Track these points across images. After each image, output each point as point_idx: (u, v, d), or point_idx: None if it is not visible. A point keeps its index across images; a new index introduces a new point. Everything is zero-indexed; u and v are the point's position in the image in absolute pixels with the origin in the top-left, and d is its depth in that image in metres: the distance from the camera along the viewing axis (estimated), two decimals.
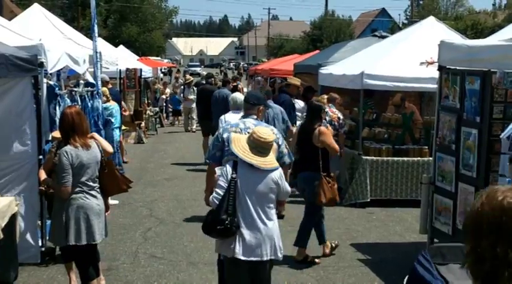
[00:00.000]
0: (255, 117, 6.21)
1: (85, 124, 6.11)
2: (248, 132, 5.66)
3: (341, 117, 11.12)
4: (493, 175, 6.66)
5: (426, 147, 10.91)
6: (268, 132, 5.36)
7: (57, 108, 7.82)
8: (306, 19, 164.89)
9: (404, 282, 2.64)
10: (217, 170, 5.62)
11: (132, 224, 9.73)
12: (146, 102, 23.14)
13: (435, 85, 8.18)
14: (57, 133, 6.61)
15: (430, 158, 8.98)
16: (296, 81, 13.34)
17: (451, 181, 7.34)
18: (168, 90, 26.96)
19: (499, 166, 5.98)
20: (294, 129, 12.30)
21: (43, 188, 6.48)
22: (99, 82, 9.96)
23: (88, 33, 19.64)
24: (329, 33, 70.59)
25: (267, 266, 5.41)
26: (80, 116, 6.04)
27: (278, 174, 5.31)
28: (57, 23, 12.90)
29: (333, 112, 11.08)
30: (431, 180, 7.75)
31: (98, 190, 6.07)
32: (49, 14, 13.17)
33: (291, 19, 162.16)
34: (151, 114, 22.53)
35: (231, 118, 8.34)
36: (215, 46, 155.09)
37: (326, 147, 7.97)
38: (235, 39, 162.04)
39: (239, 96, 9.23)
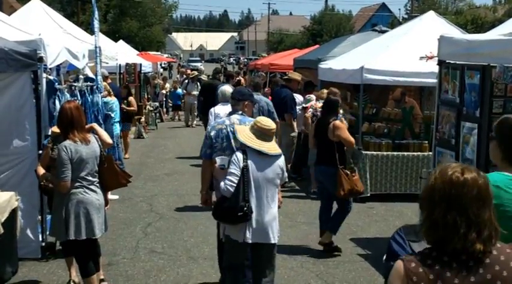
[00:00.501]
0: (241, 112, 6.40)
1: (84, 119, 6.11)
2: (233, 128, 5.99)
3: (341, 111, 11.12)
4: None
5: (426, 142, 10.92)
6: (270, 121, 5.72)
7: (57, 102, 7.81)
8: (306, 14, 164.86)
9: (383, 258, 3.01)
10: (218, 159, 5.96)
11: (132, 219, 9.74)
12: (146, 97, 23.13)
13: (435, 80, 8.18)
14: (56, 128, 6.61)
15: (430, 153, 8.99)
16: (297, 76, 13.34)
17: None
18: (167, 85, 26.95)
19: None
20: (295, 124, 12.36)
21: (42, 183, 6.48)
22: (100, 77, 9.95)
23: (88, 28, 19.66)
24: (329, 28, 70.57)
25: (273, 248, 5.75)
26: (78, 111, 6.03)
27: (283, 159, 5.70)
28: (56, 18, 12.89)
29: None
30: None
31: (98, 184, 6.07)
32: (49, 9, 13.15)
33: (291, 14, 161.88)
34: (151, 109, 22.52)
35: (219, 110, 8.67)
36: (215, 41, 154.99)
37: (342, 141, 8.11)
38: (235, 34, 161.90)
39: (227, 89, 9.42)
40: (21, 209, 6.68)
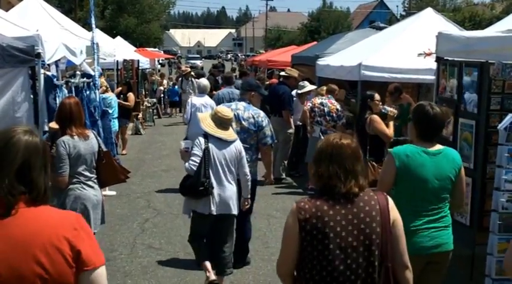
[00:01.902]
0: (248, 101, 7.41)
1: (83, 115, 6.11)
2: (237, 112, 7.09)
3: (339, 108, 11.13)
4: (490, 167, 6.66)
5: None
6: (228, 111, 6.57)
7: (57, 99, 7.81)
8: (303, 10, 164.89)
9: None
10: (183, 143, 6.82)
11: (130, 215, 9.74)
12: (144, 93, 23.10)
13: (433, 77, 8.19)
14: (54, 124, 6.60)
15: None
16: (295, 73, 13.34)
17: None
18: (165, 81, 26.91)
19: (496, 157, 5.98)
20: (292, 119, 12.37)
21: None
22: (97, 74, 9.94)
23: (85, 25, 19.62)
24: (327, 25, 70.54)
25: (233, 218, 6.65)
26: (78, 107, 6.05)
27: (239, 143, 6.55)
28: (54, 14, 12.85)
29: (332, 103, 11.10)
30: None
31: (95, 180, 6.08)
32: (46, 5, 13.11)
33: (288, 10, 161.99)
34: (149, 105, 22.49)
35: (196, 100, 10.38)
36: (213, 37, 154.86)
37: (378, 134, 8.40)
38: (233, 30, 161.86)
39: (203, 82, 11.30)
40: None
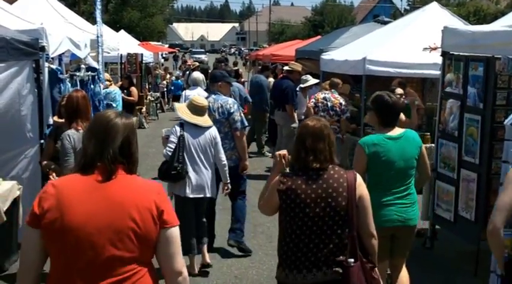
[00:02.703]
0: (217, 92, 7.84)
1: (90, 109, 6.09)
2: (209, 105, 7.38)
3: (343, 102, 11.09)
4: (495, 162, 6.65)
5: (428, 134, 10.85)
6: (203, 99, 7.17)
7: (62, 92, 7.81)
8: (307, 4, 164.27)
9: None
10: (164, 130, 7.50)
11: None
12: (147, 87, 23.08)
13: (438, 71, 8.15)
14: (57, 118, 6.59)
15: (432, 145, 8.96)
16: (298, 67, 13.30)
17: (453, 168, 7.32)
18: (168, 76, 26.90)
19: (502, 153, 5.96)
20: (295, 114, 12.36)
21: (47, 171, 6.45)
22: (101, 67, 9.93)
23: (89, 18, 19.60)
24: (331, 19, 70.45)
25: (210, 201, 7.33)
26: (85, 100, 6.02)
27: (214, 129, 7.02)
28: (58, 7, 12.82)
29: (335, 98, 11.06)
30: (433, 167, 7.73)
31: None
32: None
33: (292, 4, 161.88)
34: (152, 99, 22.47)
35: (189, 93, 10.96)
36: (216, 31, 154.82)
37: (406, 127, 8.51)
38: (236, 24, 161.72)
39: (195, 75, 11.83)
40: (24, 198, 6.68)
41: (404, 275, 5.62)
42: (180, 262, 3.03)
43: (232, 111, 7.61)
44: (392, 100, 5.35)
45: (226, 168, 7.15)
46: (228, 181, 7.23)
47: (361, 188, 4.00)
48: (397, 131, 5.35)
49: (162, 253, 3.00)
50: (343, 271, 3.85)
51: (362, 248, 3.95)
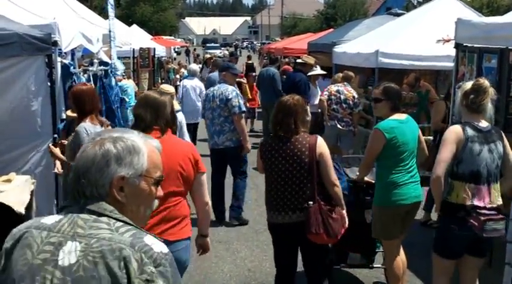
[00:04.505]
0: (223, 81, 8.67)
1: (98, 102, 6.08)
2: (212, 92, 8.53)
3: (356, 96, 11.06)
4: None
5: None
6: (169, 87, 8.56)
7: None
8: None
9: None
10: None
11: None
12: (160, 81, 23.11)
13: (451, 64, 8.10)
14: (70, 112, 6.59)
15: None
16: (311, 60, 13.27)
17: None
18: (182, 70, 26.90)
19: None
20: (308, 108, 12.30)
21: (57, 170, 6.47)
22: (114, 61, 9.95)
23: (101, 13, 19.64)
24: (343, 12, 70.14)
25: None
26: (91, 93, 6.01)
27: (180, 115, 7.67)
28: (70, 2, 12.85)
29: (348, 91, 11.04)
30: None
31: None
32: None
33: None
34: None
35: (186, 83, 12.85)
36: (228, 25, 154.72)
37: None
38: (249, 18, 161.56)
39: (193, 67, 13.84)
40: (37, 193, 6.70)
41: (402, 257, 5.87)
42: (207, 196, 4.48)
43: (230, 97, 8.38)
44: (397, 87, 5.82)
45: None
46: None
47: (321, 147, 5.08)
48: (403, 116, 5.70)
49: (196, 189, 4.38)
50: (304, 212, 4.98)
51: (327, 195, 5.08)
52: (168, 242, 3.74)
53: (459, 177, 4.78)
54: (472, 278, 5.10)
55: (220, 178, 8.83)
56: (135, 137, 2.16)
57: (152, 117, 4.23)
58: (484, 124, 4.90)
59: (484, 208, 4.71)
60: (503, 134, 4.99)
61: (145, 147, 2.15)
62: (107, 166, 2.06)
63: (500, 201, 4.83)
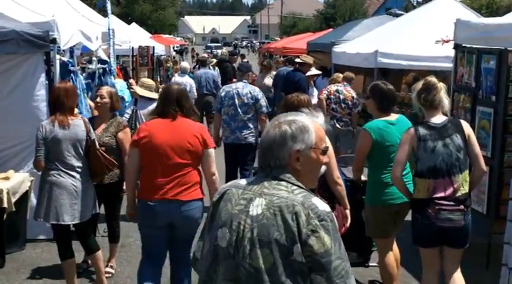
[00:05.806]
0: (245, 81, 9.05)
1: (70, 103, 5.88)
2: (237, 90, 8.76)
3: (355, 96, 11.06)
4: (507, 155, 6.61)
5: None
6: (149, 80, 9.23)
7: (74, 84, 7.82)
8: None
9: None
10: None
11: None
12: (159, 79, 23.09)
13: (450, 64, 8.10)
14: None
15: None
16: (310, 60, 13.26)
17: None
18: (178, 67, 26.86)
19: None
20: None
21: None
22: (113, 60, 9.95)
23: (101, 11, 19.61)
24: (342, 12, 70.15)
25: None
26: (67, 93, 5.84)
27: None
28: (70, 0, 12.84)
29: (348, 91, 11.03)
30: None
31: (80, 170, 5.84)
32: None
33: None
34: None
35: (178, 79, 14.18)
36: (228, 24, 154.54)
37: None
38: (248, 17, 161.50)
39: (184, 64, 15.85)
40: (35, 190, 6.69)
41: (396, 255, 5.94)
42: (214, 167, 5.21)
43: (259, 97, 8.76)
44: (387, 87, 5.72)
45: None
46: None
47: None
48: (393, 117, 5.72)
49: (205, 162, 5.16)
50: None
51: (330, 194, 5.18)
52: (182, 202, 5.10)
53: (419, 174, 5.07)
54: (451, 270, 5.20)
55: (236, 174, 8.98)
56: (304, 119, 2.70)
57: (164, 104, 5.19)
58: (439, 120, 5.09)
59: (443, 198, 4.95)
60: (464, 125, 5.13)
61: (313, 126, 2.68)
62: (285, 143, 2.64)
63: (466, 190, 5.01)
